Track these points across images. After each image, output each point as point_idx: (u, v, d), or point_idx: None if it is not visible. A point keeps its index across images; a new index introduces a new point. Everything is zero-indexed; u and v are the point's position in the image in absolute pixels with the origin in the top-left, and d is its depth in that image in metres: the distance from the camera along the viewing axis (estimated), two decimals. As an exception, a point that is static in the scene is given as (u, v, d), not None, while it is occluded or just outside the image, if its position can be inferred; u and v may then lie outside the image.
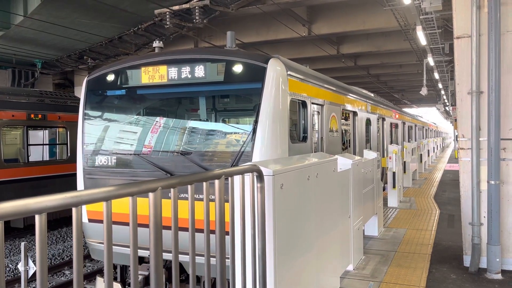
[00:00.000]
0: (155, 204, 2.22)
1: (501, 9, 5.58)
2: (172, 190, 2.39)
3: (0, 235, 1.45)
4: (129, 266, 6.69)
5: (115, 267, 6.68)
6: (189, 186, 2.57)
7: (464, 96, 5.99)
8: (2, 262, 1.47)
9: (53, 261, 10.45)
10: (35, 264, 6.74)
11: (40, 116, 12.52)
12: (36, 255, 1.62)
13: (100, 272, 9.06)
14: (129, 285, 7.04)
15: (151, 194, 2.22)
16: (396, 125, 18.05)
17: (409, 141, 19.86)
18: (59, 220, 13.72)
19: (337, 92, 8.93)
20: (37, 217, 1.59)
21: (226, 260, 2.95)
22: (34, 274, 7.34)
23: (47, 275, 1.65)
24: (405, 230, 8.31)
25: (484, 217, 5.85)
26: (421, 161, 19.26)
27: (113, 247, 2.06)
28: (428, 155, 24.53)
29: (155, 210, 2.22)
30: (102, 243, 6.83)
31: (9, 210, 1.44)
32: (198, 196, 4.56)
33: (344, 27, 16.74)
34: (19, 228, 12.94)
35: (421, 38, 13.70)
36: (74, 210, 1.77)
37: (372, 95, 14.75)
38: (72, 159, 12.26)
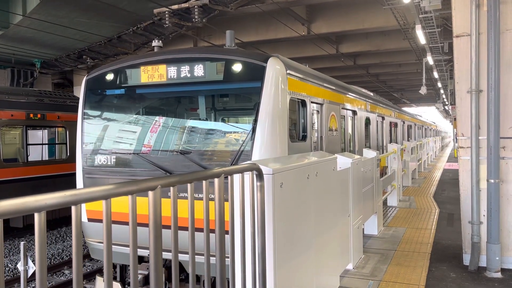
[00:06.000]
0: (155, 203, 2.22)
1: (500, 8, 5.58)
2: (171, 188, 2.38)
3: (-1, 233, 1.45)
4: (128, 265, 6.69)
5: (114, 266, 6.68)
6: (188, 185, 2.56)
7: (463, 95, 5.99)
8: (1, 261, 1.47)
9: (52, 260, 10.45)
10: (34, 263, 6.74)
11: (39, 115, 12.51)
12: (35, 254, 1.62)
13: (99, 271, 9.05)
14: (128, 284, 7.03)
15: (150, 193, 2.21)
16: (396, 124, 18.06)
17: (408, 140, 19.85)
18: (58, 219, 13.71)
19: (337, 91, 8.93)
20: (36, 215, 1.59)
21: (226, 259, 2.95)
22: (34, 273, 7.34)
23: (47, 274, 1.64)
24: (405, 229, 8.31)
25: (484, 215, 5.85)
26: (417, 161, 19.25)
27: (113, 246, 2.05)
28: (427, 155, 24.52)
29: (154, 209, 2.22)
30: (102, 243, 6.83)
31: (8, 208, 1.44)
32: (198, 195, 4.55)
33: (344, 26, 16.73)
34: (19, 228, 12.92)
35: (421, 37, 13.70)
36: (73, 208, 1.77)
37: (372, 94, 14.74)
38: (72, 158, 12.26)
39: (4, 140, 12.32)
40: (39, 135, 14.74)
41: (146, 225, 2.28)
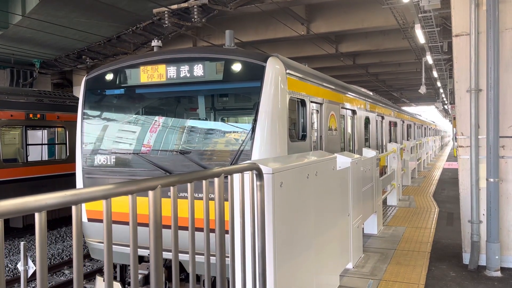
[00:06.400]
0: (155, 202, 2.22)
1: (499, 7, 5.59)
2: (171, 188, 2.38)
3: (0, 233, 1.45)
4: (128, 265, 6.69)
5: (114, 266, 6.68)
6: (188, 184, 2.57)
7: (463, 94, 5.99)
8: (2, 261, 1.47)
9: (52, 260, 10.44)
10: (34, 263, 6.74)
11: (38, 116, 12.51)
12: (36, 254, 1.62)
13: (99, 271, 9.05)
14: (128, 284, 7.03)
15: (150, 192, 2.21)
16: (395, 124, 18.06)
17: (408, 139, 19.87)
18: (58, 219, 13.71)
19: (336, 91, 8.93)
20: (36, 215, 1.59)
21: (226, 258, 2.95)
22: (34, 273, 7.34)
23: (47, 274, 1.65)
24: (405, 228, 8.32)
25: (483, 214, 5.85)
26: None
27: (113, 246, 2.05)
28: (426, 154, 24.53)
29: (154, 209, 2.22)
30: (102, 243, 6.86)
31: (9, 208, 1.44)
32: (198, 195, 4.55)
33: (343, 26, 16.73)
34: (19, 228, 12.92)
35: (420, 36, 13.69)
36: (74, 208, 1.77)
37: (371, 93, 14.75)
38: (71, 158, 12.26)
39: (4, 140, 12.32)
40: (38, 135, 14.74)
41: (146, 225, 2.28)
